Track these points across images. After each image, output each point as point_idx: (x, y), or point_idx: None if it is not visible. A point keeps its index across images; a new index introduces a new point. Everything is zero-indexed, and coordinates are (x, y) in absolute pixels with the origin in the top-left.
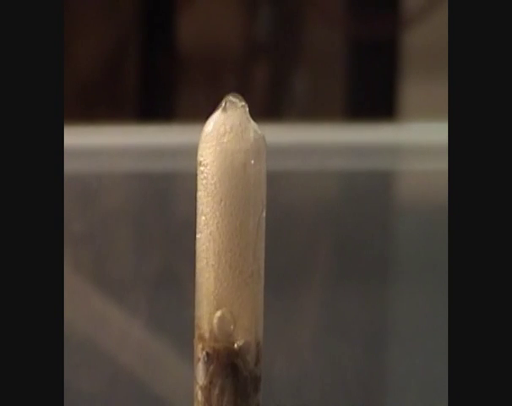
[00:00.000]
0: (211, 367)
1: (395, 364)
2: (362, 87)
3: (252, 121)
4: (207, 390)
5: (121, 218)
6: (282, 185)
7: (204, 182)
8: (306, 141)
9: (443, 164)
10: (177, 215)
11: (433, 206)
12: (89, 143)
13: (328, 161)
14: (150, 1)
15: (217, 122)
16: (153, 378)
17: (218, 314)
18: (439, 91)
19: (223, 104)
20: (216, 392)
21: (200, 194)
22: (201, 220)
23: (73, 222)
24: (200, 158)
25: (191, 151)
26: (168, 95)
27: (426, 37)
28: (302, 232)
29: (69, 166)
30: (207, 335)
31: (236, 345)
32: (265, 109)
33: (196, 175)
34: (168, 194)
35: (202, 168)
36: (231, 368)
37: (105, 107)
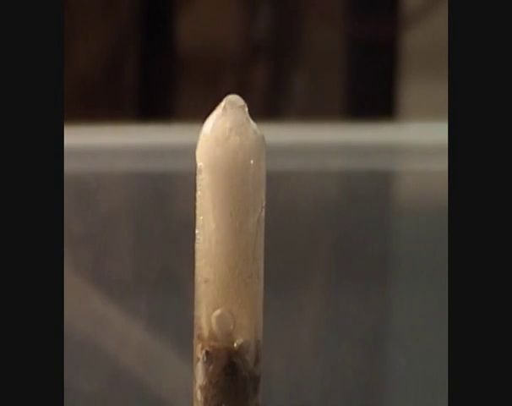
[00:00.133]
0: (211, 367)
1: (395, 365)
2: (362, 87)
3: (251, 121)
4: (206, 390)
5: (120, 218)
6: (282, 185)
7: (204, 182)
8: (305, 141)
9: (442, 164)
10: (176, 215)
11: (433, 206)
12: (88, 143)
13: (327, 160)
14: (150, 1)
15: (216, 122)
16: (152, 378)
17: (217, 314)
18: (439, 91)
19: (222, 104)
20: (215, 391)
21: (199, 193)
22: (200, 220)
23: (73, 222)
24: (199, 158)
25: (190, 151)
26: (167, 95)
27: (425, 37)
28: (302, 232)
29: (69, 165)
30: (206, 335)
31: (235, 345)
32: (265, 109)
33: (195, 175)
34: (167, 193)
35: (201, 168)
36: (231, 368)
37: (104, 107)
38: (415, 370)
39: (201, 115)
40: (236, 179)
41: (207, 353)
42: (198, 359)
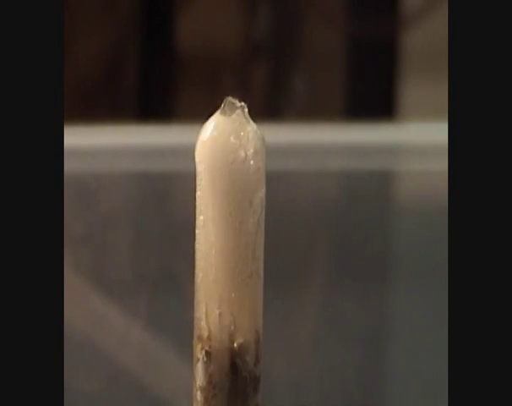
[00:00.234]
0: (210, 367)
1: (395, 365)
2: (362, 87)
3: (251, 121)
4: (206, 390)
5: (120, 218)
6: (282, 185)
7: (203, 182)
8: (305, 141)
9: (442, 164)
10: (176, 215)
11: (433, 207)
12: (88, 143)
13: (327, 161)
14: (150, 1)
15: (216, 122)
16: (152, 378)
17: (217, 314)
18: (439, 91)
19: (222, 105)
20: (215, 392)
21: (199, 194)
22: (200, 220)
23: (73, 222)
24: (199, 158)
25: (190, 151)
26: (167, 95)
27: (425, 37)
28: (302, 232)
29: (69, 166)
30: (206, 335)
31: (235, 345)
32: (264, 109)
33: (195, 175)
34: (167, 194)
35: (201, 168)
36: (231, 368)
37: (104, 107)
38: (414, 370)
39: (201, 115)
40: (236, 180)
41: (207, 353)
42: (198, 359)
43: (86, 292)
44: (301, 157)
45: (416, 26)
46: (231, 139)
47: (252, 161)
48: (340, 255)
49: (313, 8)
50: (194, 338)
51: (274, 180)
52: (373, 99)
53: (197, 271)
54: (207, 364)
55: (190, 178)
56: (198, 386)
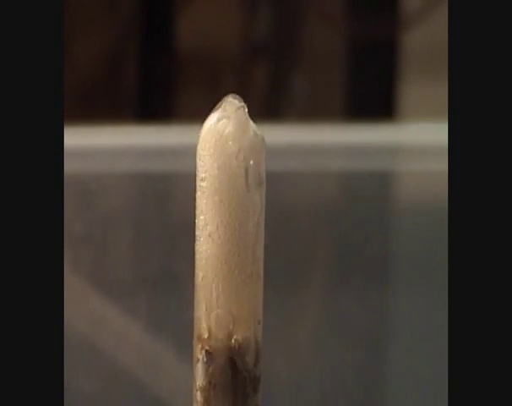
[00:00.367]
0: (210, 367)
1: (395, 365)
2: (362, 88)
3: (251, 121)
4: (206, 390)
5: (120, 218)
6: (282, 186)
7: (203, 183)
8: (305, 142)
9: (442, 165)
10: (176, 215)
11: (433, 207)
12: (88, 143)
13: (327, 161)
14: (150, 1)
15: (216, 122)
16: (152, 378)
17: (217, 314)
18: (439, 92)
19: (222, 105)
20: (215, 392)
21: (199, 194)
22: (200, 220)
23: (73, 223)
24: (199, 159)
25: (190, 152)
26: (167, 95)
27: (425, 38)
28: (302, 232)
29: (68, 166)
30: (206, 335)
31: (235, 345)
32: (264, 110)
33: (195, 175)
34: (167, 194)
35: (201, 169)
36: (231, 368)
37: (104, 108)
38: (414, 370)
39: (201, 115)
40: (236, 180)
41: (207, 353)
42: (198, 359)
43: (86, 292)
44: (301, 158)
45: (415, 27)
46: (231, 139)
47: (252, 162)
48: (340, 255)
49: (313, 8)
50: (194, 338)
51: (274, 180)
52: (373, 99)
53: (197, 271)
54: (207, 364)
55: (190, 179)
56: (197, 386)
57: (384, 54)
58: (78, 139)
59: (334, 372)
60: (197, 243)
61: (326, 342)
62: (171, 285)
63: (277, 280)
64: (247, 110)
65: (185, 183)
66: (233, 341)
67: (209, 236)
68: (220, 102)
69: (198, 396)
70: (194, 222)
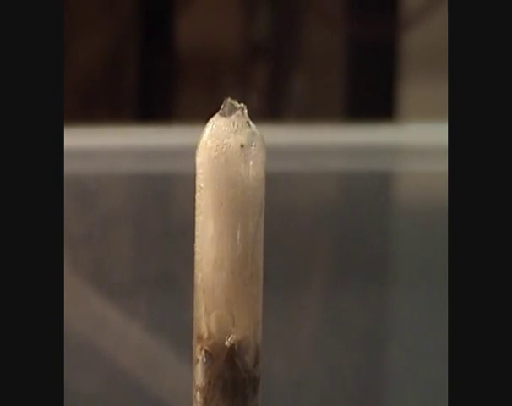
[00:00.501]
0: (210, 368)
1: (395, 366)
2: (362, 88)
3: (251, 122)
4: (205, 391)
5: (120, 219)
6: (281, 186)
7: (203, 183)
8: (305, 142)
9: (442, 165)
10: (175, 216)
11: (433, 208)
12: (88, 144)
13: (327, 162)
14: (150, 1)
15: (216, 123)
16: (152, 379)
17: (217, 314)
18: (439, 92)
19: (222, 106)
20: (215, 392)
21: (199, 195)
22: (200, 221)
23: (72, 223)
24: (199, 159)
25: (190, 153)
26: (167, 96)
27: (425, 38)
28: (302, 233)
29: (68, 167)
30: (206, 336)
31: (234, 346)
32: (264, 110)
33: (195, 176)
34: (167, 195)
35: (201, 170)
36: (230, 369)
37: (104, 108)
38: (414, 371)
39: (201, 116)
40: (236, 180)
41: (206, 353)
42: (198, 360)
43: (86, 293)
44: (301, 158)
45: (415, 27)
46: (231, 140)
47: (251, 162)
48: (340, 255)
49: (313, 9)
50: (194, 339)
51: (273, 181)
52: (373, 100)
53: (196, 272)
54: (206, 364)
55: (190, 179)
56: (197, 386)
57: (384, 55)
58: (78, 139)
59: (334, 373)
60: (196, 243)
61: (326, 342)
62: (170, 286)
63: (277, 280)
64: (246, 111)
65: (185, 184)
66: (233, 341)
67: (209, 237)
68: (220, 104)
69: (198, 396)
70: (194, 223)
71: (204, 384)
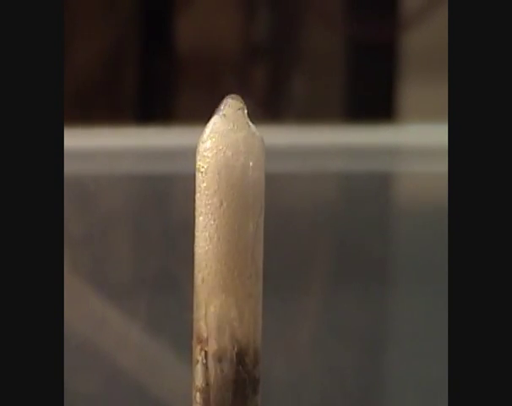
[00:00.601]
0: (210, 368)
1: (394, 367)
2: (361, 89)
3: (250, 123)
4: (205, 391)
5: (119, 220)
6: (281, 187)
7: (203, 184)
8: (305, 143)
9: (442, 166)
10: (175, 217)
11: (433, 208)
12: (87, 145)
13: (327, 162)
14: (150, 2)
15: (216, 124)
16: (152, 380)
17: (216, 315)
18: (439, 93)
19: (222, 106)
20: (215, 393)
21: (199, 196)
22: (200, 221)
23: (72, 224)
24: (199, 160)
25: (190, 153)
26: (167, 97)
27: (425, 39)
28: (301, 234)
29: (68, 168)
30: (205, 336)
31: (234, 347)
32: (264, 111)
33: (194, 177)
34: (167, 196)
35: (201, 170)
36: (230, 369)
37: (104, 109)
38: (414, 372)
39: (200, 117)
40: (235, 181)
41: (206, 354)
42: (198, 360)
43: (86, 293)
44: (300, 159)
45: (415, 28)
46: (231, 140)
47: (251, 163)
48: (339, 256)
49: (313, 9)
50: (194, 340)
51: (273, 182)
52: (373, 100)
53: (196, 273)
54: (206, 365)
55: (189, 180)
56: (197, 387)
57: (384, 55)
58: (78, 140)
59: (334, 373)
60: (196, 244)
61: (326, 343)
62: (170, 286)
63: (277, 281)
64: (246, 111)
65: (184, 185)
66: (233, 342)
67: (209, 237)
68: (220, 104)
69: (198, 397)
70: (194, 224)
71: (203, 385)
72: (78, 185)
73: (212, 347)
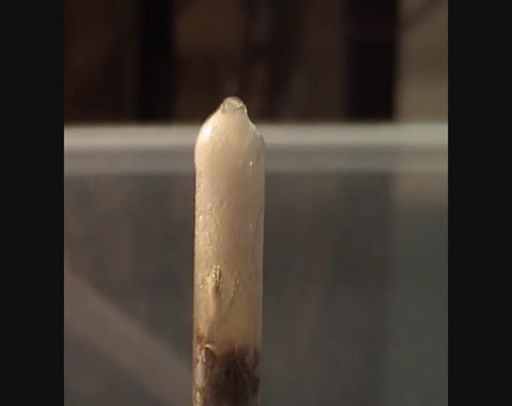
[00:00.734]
0: (210, 368)
1: (394, 367)
2: (361, 88)
3: (250, 122)
4: (205, 391)
5: (120, 220)
6: (281, 187)
7: (203, 184)
8: (305, 143)
9: (442, 165)
10: (175, 216)
11: (433, 208)
12: (87, 144)
13: (327, 162)
14: (149, 2)
15: (216, 123)
16: (151, 380)
17: (216, 315)
18: (438, 92)
19: (222, 106)
20: (215, 393)
21: (199, 195)
22: (199, 221)
23: (72, 224)
24: (199, 160)
25: (190, 153)
26: (167, 96)
27: (425, 38)
28: (301, 233)
29: (68, 167)
30: (205, 336)
31: (234, 346)
32: (264, 111)
33: (194, 176)
34: (167, 195)
35: (200, 170)
36: (230, 369)
37: (104, 109)
38: (414, 372)
39: (200, 116)
40: (235, 181)
41: (206, 354)
42: (198, 360)
43: (86, 293)
44: (300, 158)
45: (415, 27)
46: (231, 140)
47: (251, 162)
48: (339, 256)
49: (313, 9)
50: (194, 339)
51: (273, 181)
52: (373, 100)
53: (196, 272)
54: (206, 365)
55: (189, 180)
56: (197, 386)
57: (384, 55)
58: (78, 140)
59: (334, 373)
60: (196, 244)
61: (326, 342)
62: (170, 286)
63: (277, 281)
64: (246, 111)
65: (184, 184)
66: (233, 342)
67: (209, 237)
68: (219, 103)
69: (198, 397)
70: (193, 223)
71: (203, 384)
72: (79, 185)
73: (212, 346)
